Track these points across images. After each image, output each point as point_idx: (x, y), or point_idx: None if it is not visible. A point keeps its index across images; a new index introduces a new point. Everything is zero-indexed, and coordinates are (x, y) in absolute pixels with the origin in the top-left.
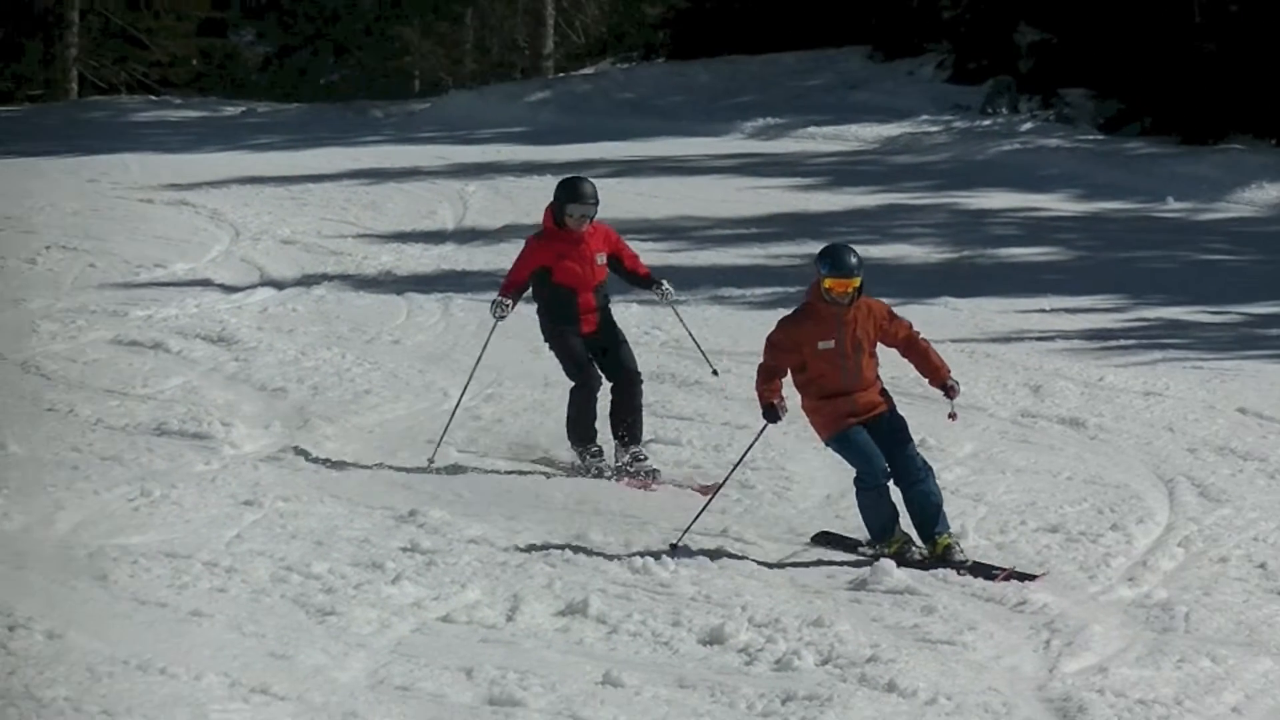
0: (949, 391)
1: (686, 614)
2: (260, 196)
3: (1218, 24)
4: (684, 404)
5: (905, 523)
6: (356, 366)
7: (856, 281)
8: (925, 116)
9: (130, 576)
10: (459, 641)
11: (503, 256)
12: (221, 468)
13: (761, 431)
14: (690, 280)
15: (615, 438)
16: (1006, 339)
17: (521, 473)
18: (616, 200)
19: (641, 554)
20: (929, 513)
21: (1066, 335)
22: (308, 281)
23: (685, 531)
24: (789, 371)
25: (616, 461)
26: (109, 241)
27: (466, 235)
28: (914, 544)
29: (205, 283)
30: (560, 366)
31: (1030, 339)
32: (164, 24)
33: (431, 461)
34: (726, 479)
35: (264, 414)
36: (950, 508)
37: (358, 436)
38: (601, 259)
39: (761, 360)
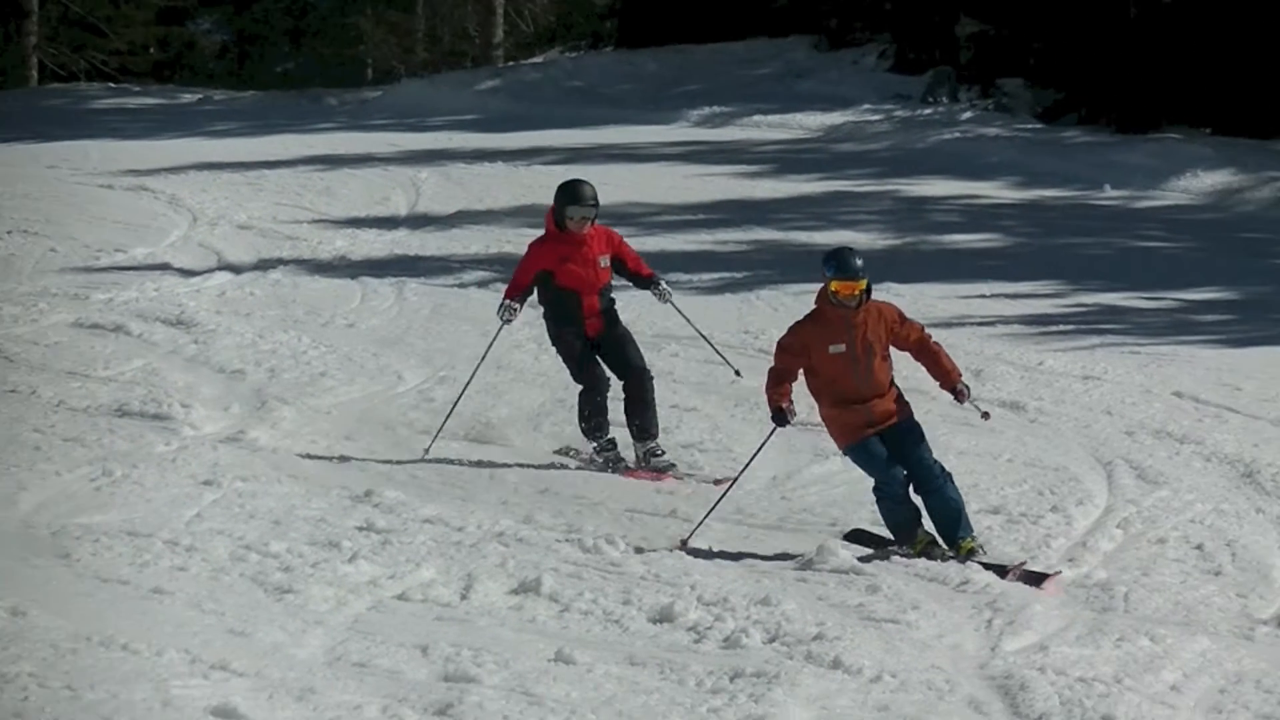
0: (958, 395)
1: (637, 593)
2: (217, 182)
3: (1152, 15)
4: None
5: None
6: (313, 349)
7: (862, 284)
8: (868, 106)
9: (92, 555)
10: (414, 619)
11: (454, 242)
12: (181, 448)
13: (770, 434)
14: None
15: (631, 434)
16: (948, 324)
17: (475, 454)
18: None
19: (593, 534)
20: (950, 518)
21: (1006, 320)
22: (264, 266)
23: (696, 528)
24: (798, 376)
25: (635, 456)
26: (69, 226)
27: (419, 221)
28: (939, 544)
29: (164, 267)
30: (566, 370)
31: (971, 324)
32: (123, 12)
33: (427, 451)
34: (737, 478)
35: (223, 396)
36: None
37: (314, 418)
38: (604, 261)
39: (772, 364)
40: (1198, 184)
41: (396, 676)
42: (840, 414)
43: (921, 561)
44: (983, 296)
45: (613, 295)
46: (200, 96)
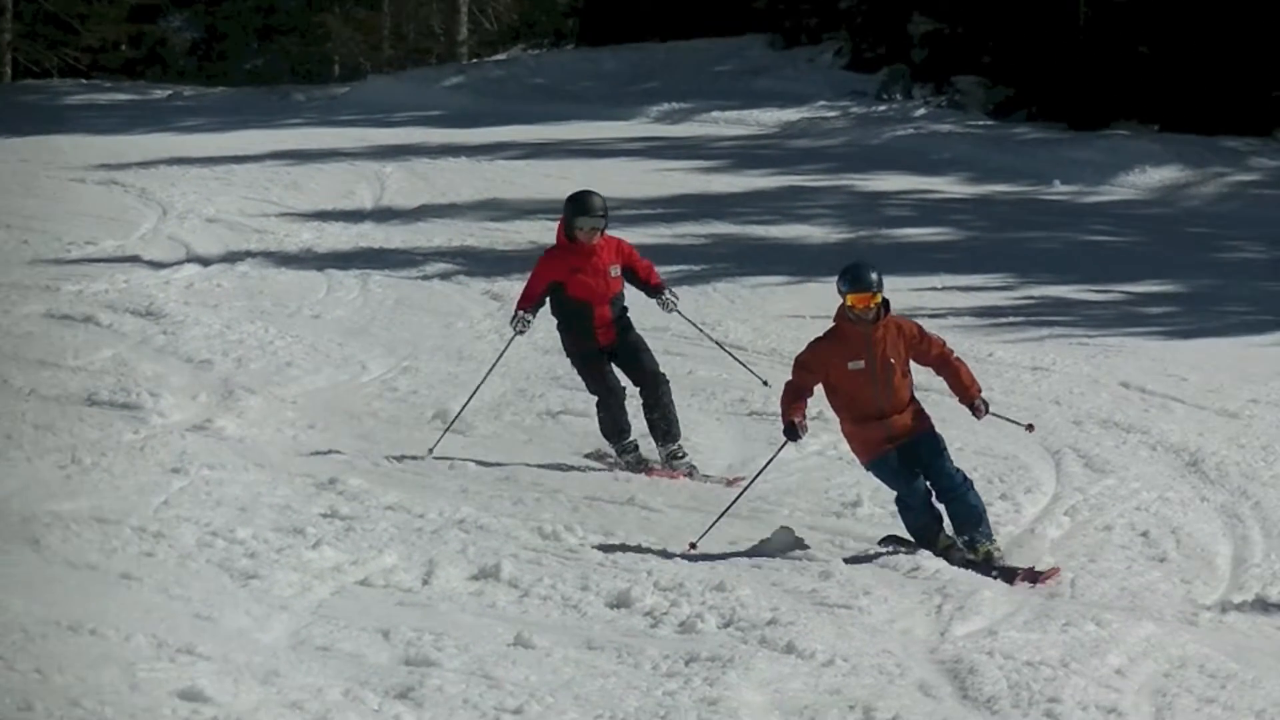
0: (975, 411)
1: (594, 578)
2: (187, 176)
3: (1103, 15)
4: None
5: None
6: (279, 340)
7: (877, 297)
8: (823, 102)
9: (62, 541)
10: (376, 604)
11: (418, 235)
12: (150, 437)
13: (781, 448)
14: None
15: (653, 437)
16: (901, 316)
17: (437, 444)
18: (528, 181)
19: (551, 520)
20: (971, 523)
21: (958, 312)
22: (232, 258)
23: (705, 533)
24: (814, 392)
25: (659, 458)
26: (42, 219)
27: (384, 214)
28: (958, 548)
29: (134, 259)
30: (583, 382)
31: (923, 316)
32: (96, 10)
33: (431, 451)
34: (747, 487)
35: (191, 385)
36: (845, 477)
37: (280, 407)
38: (615, 271)
39: (789, 379)
40: (1145, 179)
41: (359, 660)
42: (860, 430)
43: (873, 548)
44: (934, 289)
45: (625, 304)
46: (170, 93)
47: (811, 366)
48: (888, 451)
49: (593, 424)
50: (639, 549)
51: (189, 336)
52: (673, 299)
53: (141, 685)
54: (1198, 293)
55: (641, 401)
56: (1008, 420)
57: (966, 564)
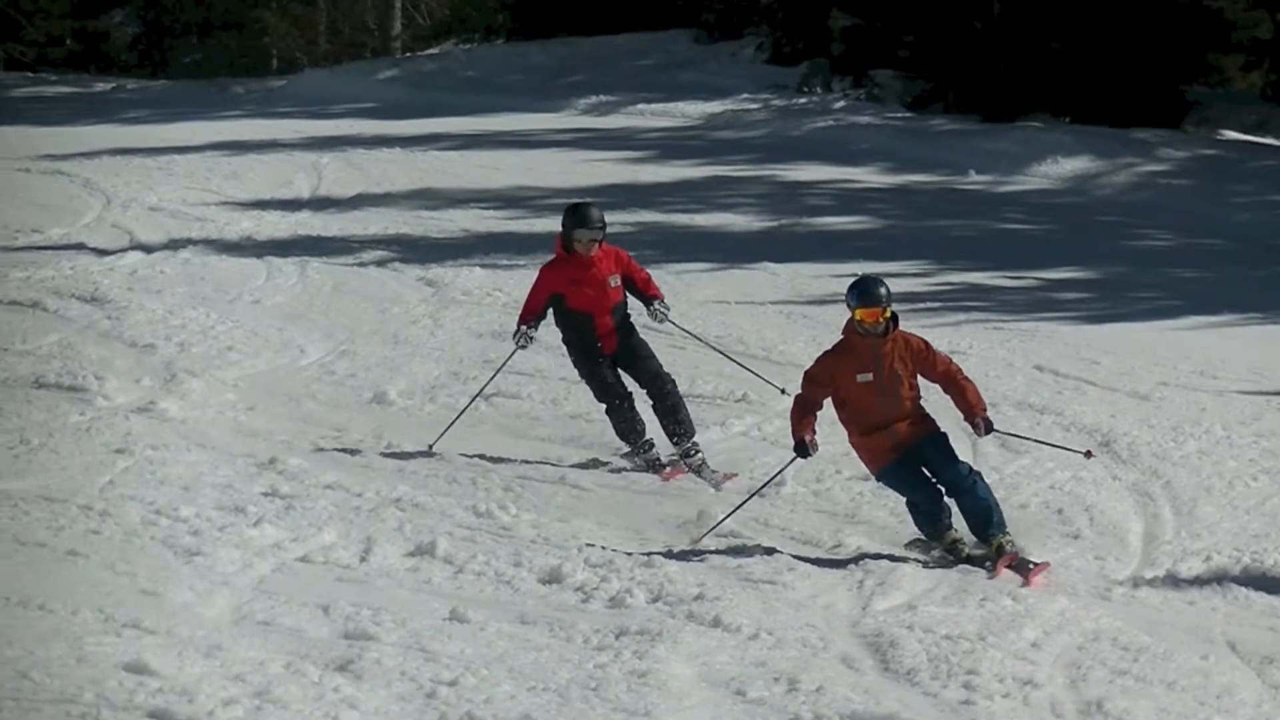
0: (976, 429)
1: (527, 555)
2: (130, 167)
3: (1016, 11)
4: (523, 361)
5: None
6: (220, 325)
7: (886, 312)
8: (746, 95)
9: (11, 519)
10: (316, 580)
11: (355, 223)
12: (95, 418)
13: (789, 463)
14: (527, 247)
15: (666, 436)
16: (822, 301)
17: (373, 424)
18: (460, 171)
19: (485, 499)
20: (982, 517)
21: None
22: (174, 246)
23: (708, 531)
24: (824, 406)
25: (678, 456)
26: None
27: (321, 203)
28: (963, 543)
29: (79, 246)
30: (590, 392)
31: (843, 301)
32: (42, 5)
33: (431, 447)
34: (750, 497)
35: (135, 369)
36: (770, 457)
37: (221, 390)
38: (615, 281)
39: (798, 392)
40: (1058, 170)
41: (299, 634)
42: (867, 441)
43: (798, 525)
44: (855, 275)
45: (628, 311)
46: (114, 85)
47: (820, 380)
48: (894, 459)
49: (526, 405)
50: (570, 525)
51: (133, 322)
52: (663, 309)
53: (89, 658)
54: (1109, 279)
55: (651, 404)
56: (1061, 448)
57: (970, 559)
